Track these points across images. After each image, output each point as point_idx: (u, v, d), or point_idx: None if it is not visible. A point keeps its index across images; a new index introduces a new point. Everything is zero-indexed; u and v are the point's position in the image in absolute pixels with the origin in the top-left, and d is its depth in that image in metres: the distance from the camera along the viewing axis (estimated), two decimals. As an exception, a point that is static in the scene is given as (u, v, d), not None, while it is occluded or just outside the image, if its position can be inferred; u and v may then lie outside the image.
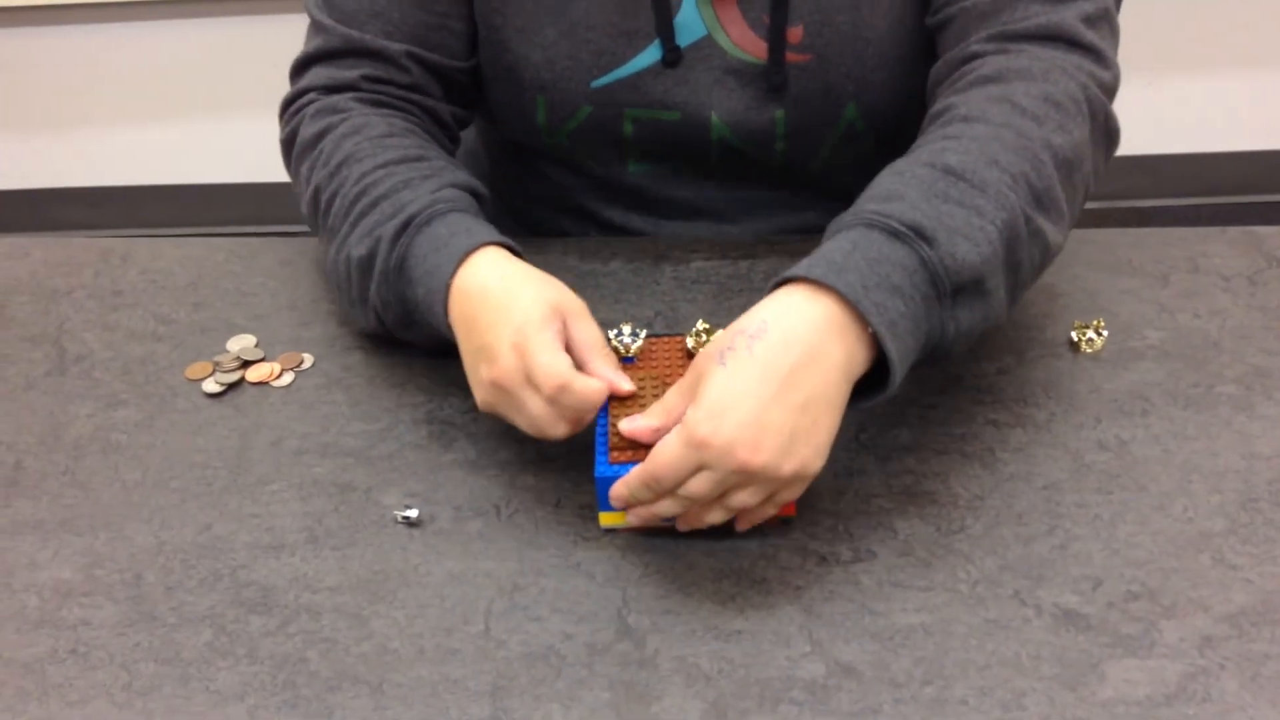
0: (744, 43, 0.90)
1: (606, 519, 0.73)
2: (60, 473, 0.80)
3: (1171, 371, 0.83)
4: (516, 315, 0.73)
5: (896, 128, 0.93)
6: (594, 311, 0.89)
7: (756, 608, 0.69)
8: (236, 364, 0.87)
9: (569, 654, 0.67)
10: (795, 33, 0.89)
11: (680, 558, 0.72)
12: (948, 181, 0.72)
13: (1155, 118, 2.12)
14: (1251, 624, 0.67)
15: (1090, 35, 0.82)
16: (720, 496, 0.68)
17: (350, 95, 0.89)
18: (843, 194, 0.83)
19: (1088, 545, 0.71)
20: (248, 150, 2.11)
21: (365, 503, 0.76)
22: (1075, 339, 0.85)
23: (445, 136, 0.94)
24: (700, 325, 0.77)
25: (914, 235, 0.69)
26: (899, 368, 0.67)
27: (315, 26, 0.92)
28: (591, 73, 0.90)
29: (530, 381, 0.71)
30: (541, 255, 0.95)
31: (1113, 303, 0.88)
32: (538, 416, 0.72)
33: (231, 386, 0.85)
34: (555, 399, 0.71)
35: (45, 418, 0.84)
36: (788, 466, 0.65)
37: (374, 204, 0.81)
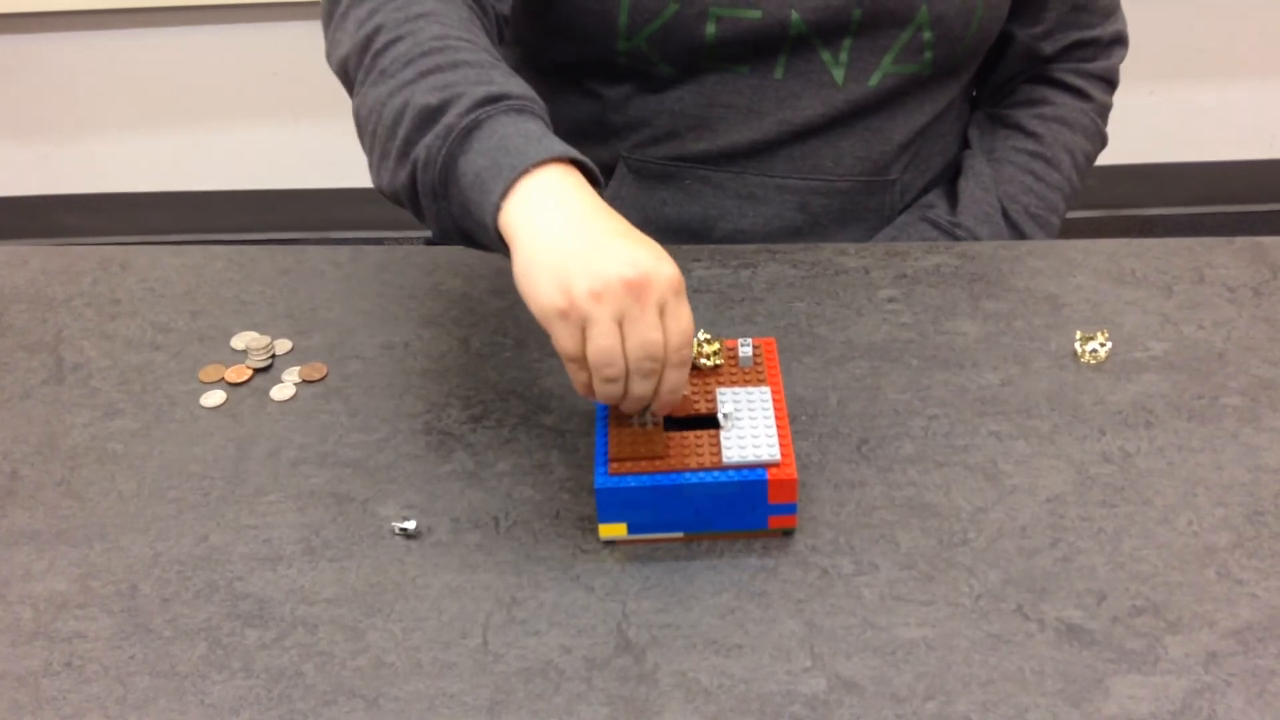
0: None
1: (606, 530, 0.72)
2: (56, 483, 0.79)
3: (1176, 383, 0.82)
4: (632, 243, 0.66)
5: (955, 51, 0.97)
6: (594, 321, 0.89)
7: (757, 621, 0.68)
8: (267, 354, 0.87)
9: (567, 668, 0.66)
10: None
11: (680, 570, 0.71)
12: (1009, 227, 1.03)
13: (1158, 126, 2.12)
14: (1258, 640, 0.66)
15: (1119, 74, 1.08)
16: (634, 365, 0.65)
17: None
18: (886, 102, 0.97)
19: (1091, 559, 0.71)
20: (247, 157, 2.11)
21: (363, 514, 0.76)
22: (1079, 350, 0.84)
23: (494, 28, 0.86)
24: (701, 335, 0.76)
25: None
26: None
27: None
28: None
29: (666, 311, 0.65)
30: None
31: (1116, 313, 0.88)
32: (645, 343, 0.64)
33: (236, 386, 0.85)
34: (669, 361, 0.66)
35: (42, 427, 0.84)
36: (630, 271, 0.63)
37: (456, 65, 0.73)
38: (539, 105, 0.74)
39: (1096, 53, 1.05)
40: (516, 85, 0.73)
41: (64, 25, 1.99)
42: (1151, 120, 2.11)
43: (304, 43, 1.76)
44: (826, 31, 0.94)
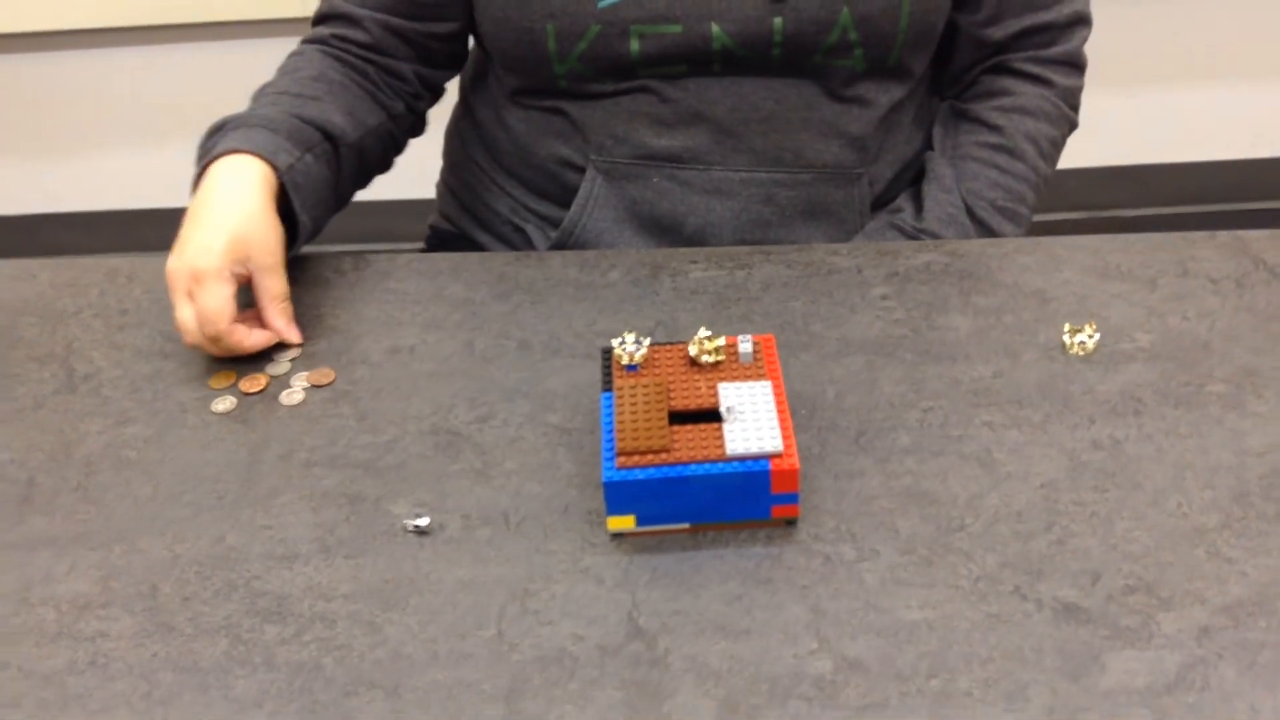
0: None
1: (614, 523, 0.74)
2: (73, 489, 0.81)
3: (1163, 372, 0.85)
4: (204, 236, 0.88)
5: (886, 41, 0.99)
6: (595, 322, 0.91)
7: (764, 607, 0.70)
8: (291, 355, 0.91)
9: (581, 656, 0.68)
10: None
11: (687, 560, 0.73)
12: (975, 225, 1.06)
13: (1137, 128, 2.15)
14: (1248, 614, 0.68)
15: (1085, 54, 1.08)
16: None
17: (317, 46, 1.06)
18: (841, 83, 1.01)
19: (1085, 541, 0.73)
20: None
21: (375, 513, 0.78)
22: (1067, 342, 0.87)
23: (404, 90, 1.08)
24: (702, 333, 0.79)
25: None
26: None
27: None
28: None
29: (190, 296, 0.87)
30: (541, 267, 0.98)
31: (1103, 306, 0.90)
32: (183, 323, 0.88)
33: (248, 396, 0.87)
34: (211, 338, 0.87)
35: (56, 435, 0.85)
36: (170, 262, 0.88)
37: (247, 109, 0.99)
38: (287, 118, 0.97)
39: (1054, 36, 1.07)
40: (276, 108, 0.98)
41: (62, 44, 2.01)
42: (1133, 122, 2.14)
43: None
44: (751, 41, 0.97)
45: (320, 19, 1.07)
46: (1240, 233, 0.97)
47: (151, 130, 2.12)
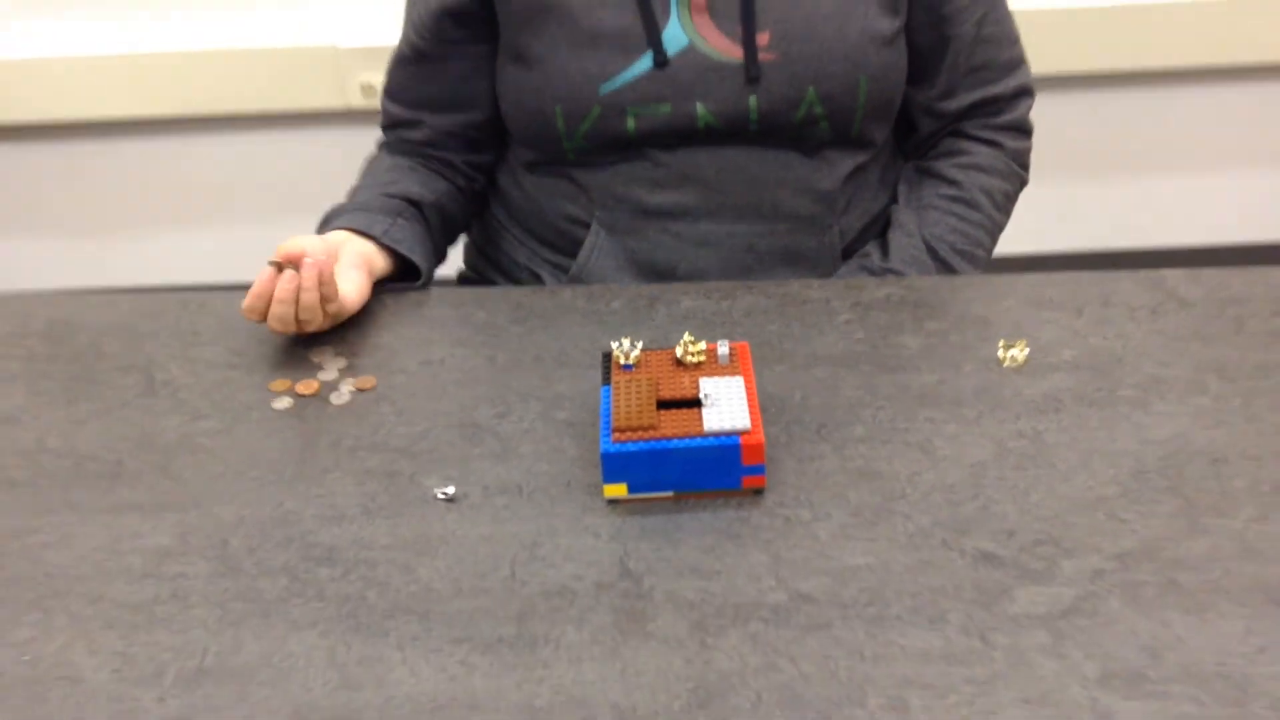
0: (721, 47, 1.14)
1: (609, 490, 0.88)
2: (154, 469, 0.96)
3: (1081, 380, 0.99)
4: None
5: (848, 114, 1.17)
6: (599, 341, 1.07)
7: (732, 555, 0.84)
8: (340, 365, 1.06)
9: (580, 590, 0.82)
10: (763, 37, 1.13)
11: (671, 520, 0.87)
12: (937, 264, 1.22)
13: (1111, 215, 2.31)
14: (1135, 561, 0.82)
15: (1030, 120, 1.26)
16: None
17: (386, 149, 1.31)
18: (811, 149, 1.18)
19: (1005, 507, 0.87)
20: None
21: (410, 485, 0.92)
22: (1001, 356, 1.02)
23: (455, 174, 1.29)
24: (687, 338, 0.94)
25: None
26: None
27: (383, 107, 1.31)
28: (599, 81, 1.14)
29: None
30: (553, 298, 1.13)
31: (1035, 329, 1.05)
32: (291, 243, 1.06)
33: (303, 398, 1.02)
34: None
35: (139, 428, 1.00)
36: None
37: (354, 193, 1.26)
38: (378, 198, 1.21)
39: (1001, 107, 1.24)
40: (363, 196, 1.22)
41: (125, 132, 2.20)
42: (1101, 209, 2.30)
43: (338, 148, 1.98)
44: (730, 117, 1.15)
45: (387, 126, 1.31)
46: (1158, 271, 1.12)
47: (201, 211, 2.31)
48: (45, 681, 0.78)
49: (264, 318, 1.05)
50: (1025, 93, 1.25)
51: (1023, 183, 1.28)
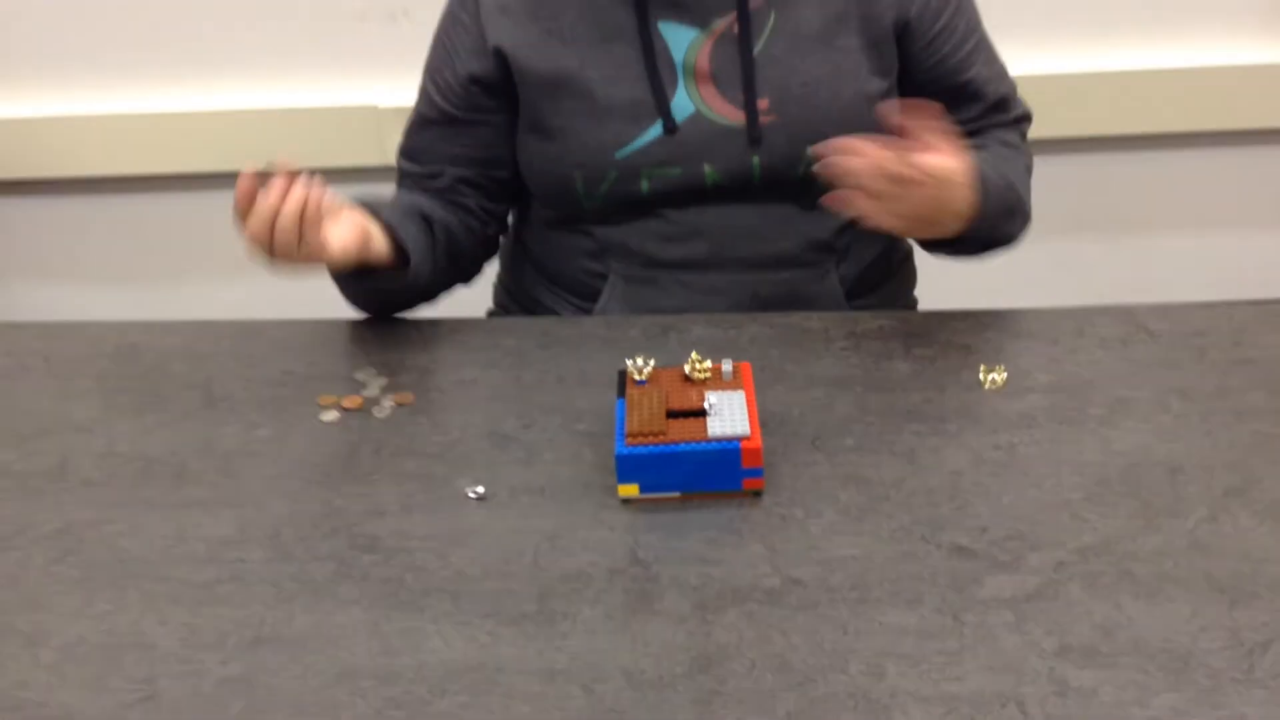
0: (725, 112, 1.25)
1: (623, 490, 0.98)
2: (215, 471, 1.07)
3: (1055, 400, 1.09)
4: None
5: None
6: (618, 363, 1.17)
7: (732, 546, 0.94)
8: (381, 384, 1.16)
9: (595, 575, 0.92)
10: (763, 102, 1.24)
11: (678, 517, 0.97)
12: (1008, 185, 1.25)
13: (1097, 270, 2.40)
14: (1095, 555, 0.91)
15: (1026, 132, 1.36)
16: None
17: (403, 189, 1.36)
18: (810, 202, 1.25)
19: (979, 508, 0.96)
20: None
21: (444, 486, 1.03)
22: (982, 379, 1.11)
23: (469, 216, 1.34)
24: (694, 356, 1.04)
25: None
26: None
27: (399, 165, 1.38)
28: (614, 148, 1.25)
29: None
30: (576, 326, 1.24)
31: (1015, 357, 1.15)
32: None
33: (348, 411, 1.13)
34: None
35: (201, 436, 1.11)
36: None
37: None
38: (382, 203, 1.26)
39: (1007, 132, 1.34)
40: (387, 204, 1.28)
41: (178, 186, 2.34)
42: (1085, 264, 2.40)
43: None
44: (735, 176, 1.26)
45: (404, 176, 1.37)
46: (1130, 305, 1.22)
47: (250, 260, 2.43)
48: (122, 647, 0.88)
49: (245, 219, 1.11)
50: (1026, 119, 1.36)
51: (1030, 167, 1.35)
